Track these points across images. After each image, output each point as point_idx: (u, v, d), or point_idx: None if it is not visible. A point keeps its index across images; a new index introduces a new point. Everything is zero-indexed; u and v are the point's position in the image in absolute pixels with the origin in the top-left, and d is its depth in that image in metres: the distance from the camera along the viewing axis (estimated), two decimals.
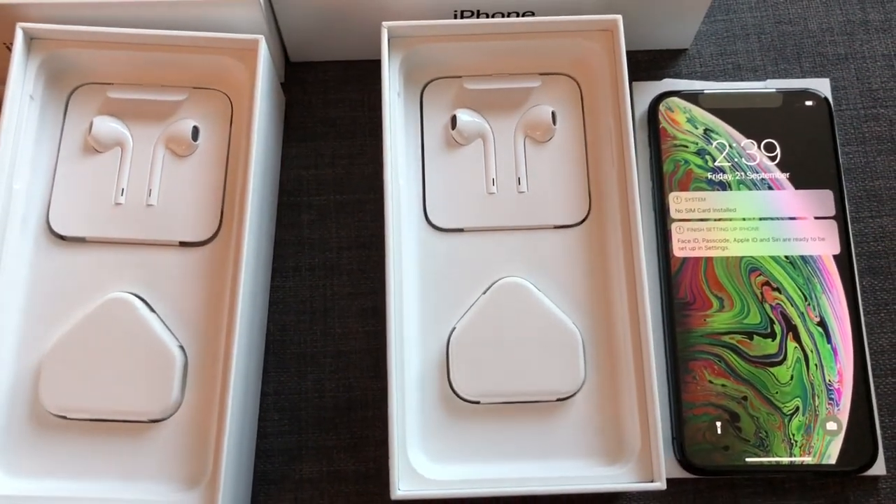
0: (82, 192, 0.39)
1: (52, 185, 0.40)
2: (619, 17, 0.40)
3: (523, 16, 0.43)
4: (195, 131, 0.40)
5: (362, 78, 0.47)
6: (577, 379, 0.37)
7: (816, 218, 0.43)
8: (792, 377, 0.41)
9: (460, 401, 0.38)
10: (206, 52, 0.40)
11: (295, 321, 0.43)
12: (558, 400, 0.38)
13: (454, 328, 0.38)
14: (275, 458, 0.41)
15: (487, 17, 0.43)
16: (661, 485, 0.35)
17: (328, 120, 0.46)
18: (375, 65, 0.41)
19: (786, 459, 0.39)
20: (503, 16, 0.43)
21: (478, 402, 0.38)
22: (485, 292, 0.39)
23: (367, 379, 0.42)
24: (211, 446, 0.36)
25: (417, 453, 0.36)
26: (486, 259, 0.39)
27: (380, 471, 0.41)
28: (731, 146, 0.44)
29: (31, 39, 0.40)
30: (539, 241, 0.40)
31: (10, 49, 0.42)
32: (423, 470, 0.36)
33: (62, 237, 0.39)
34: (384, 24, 0.40)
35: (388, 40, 0.40)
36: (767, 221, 0.43)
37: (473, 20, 0.41)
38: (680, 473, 0.40)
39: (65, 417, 0.36)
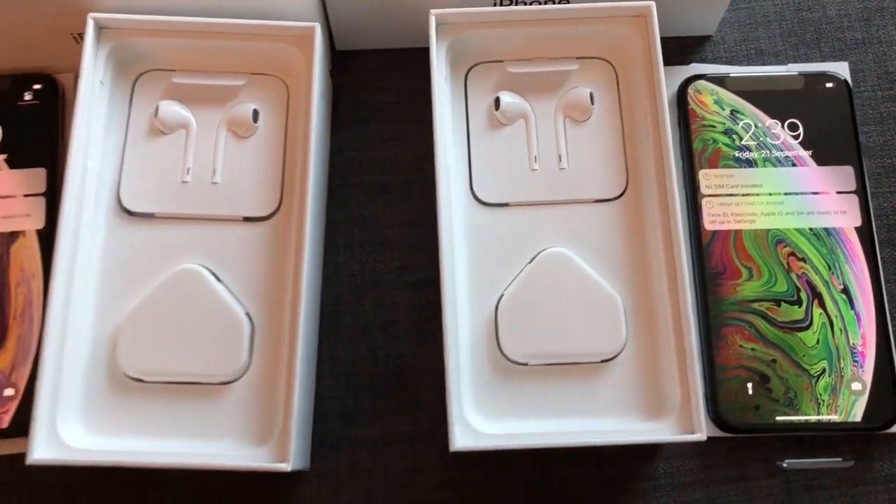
0: (150, 171, 0.42)
1: (121, 165, 0.42)
2: (653, 4, 0.42)
3: (560, 3, 0.45)
4: (255, 114, 0.43)
5: (405, 66, 0.49)
6: (618, 342, 0.40)
7: (838, 192, 0.45)
8: (818, 341, 0.43)
9: (509, 363, 0.40)
10: (264, 40, 0.43)
11: (348, 293, 0.45)
12: (602, 361, 0.40)
13: (502, 295, 0.41)
14: (332, 421, 0.43)
15: (526, 4, 0.45)
16: (701, 436, 0.37)
17: (374, 106, 0.49)
18: (417, 53, 0.43)
19: (813, 418, 0.42)
20: (541, 3, 0.45)
21: (526, 364, 0.40)
22: (530, 262, 0.41)
23: (417, 347, 0.44)
24: (279, 405, 0.38)
25: (471, 411, 0.39)
26: (531, 231, 0.42)
27: (432, 431, 0.43)
28: (756, 126, 0.46)
29: (100, 29, 0.42)
30: (580, 214, 0.42)
31: (77, 40, 0.45)
32: (478, 426, 0.38)
33: (132, 213, 0.41)
34: (432, 11, 0.42)
35: (436, 27, 0.43)
36: (792, 196, 0.45)
37: (514, 7, 0.43)
38: (714, 432, 0.42)
39: (141, 380, 0.39)
